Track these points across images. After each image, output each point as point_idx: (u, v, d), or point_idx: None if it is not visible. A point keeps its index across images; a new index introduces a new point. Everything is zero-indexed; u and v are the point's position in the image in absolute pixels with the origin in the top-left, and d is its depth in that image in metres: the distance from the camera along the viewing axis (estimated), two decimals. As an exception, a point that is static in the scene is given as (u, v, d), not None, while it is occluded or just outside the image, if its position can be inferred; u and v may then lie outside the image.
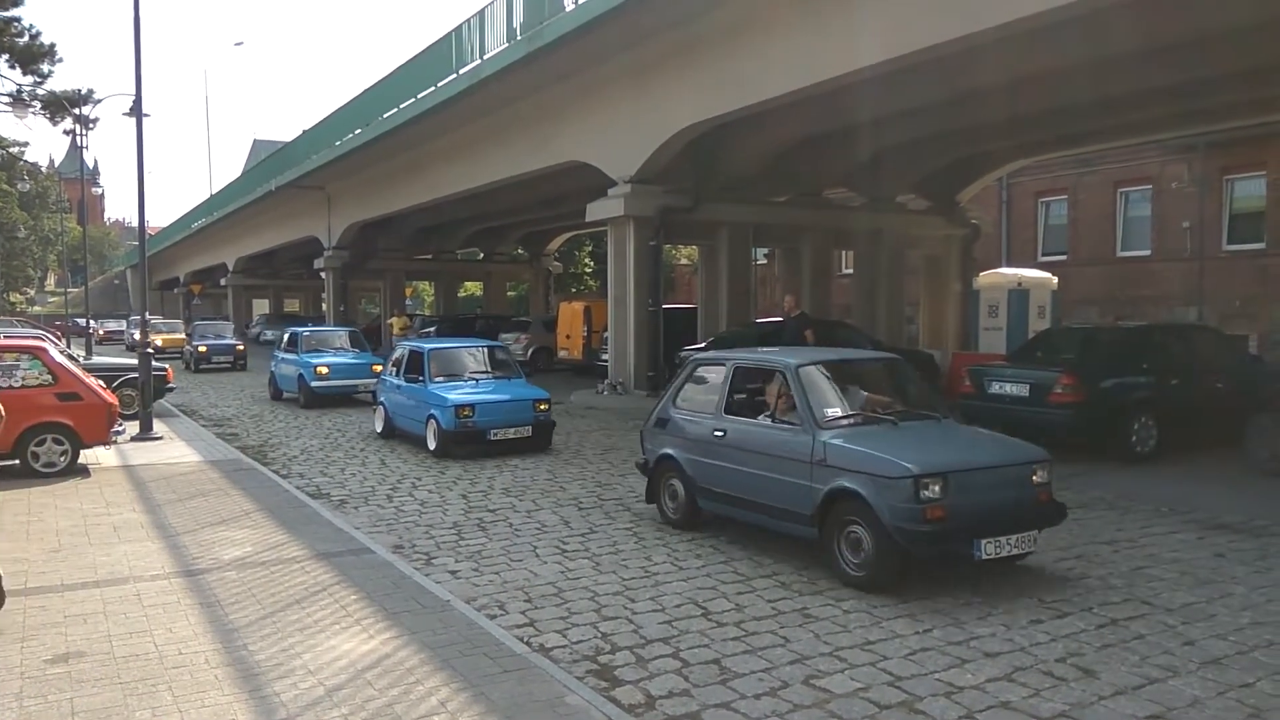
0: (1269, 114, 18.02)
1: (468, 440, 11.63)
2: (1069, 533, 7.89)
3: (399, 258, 37.51)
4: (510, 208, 30.75)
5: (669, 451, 8.01)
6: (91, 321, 44.40)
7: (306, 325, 47.69)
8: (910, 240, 22.50)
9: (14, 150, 46.82)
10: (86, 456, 11.16)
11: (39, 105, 33.22)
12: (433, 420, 11.85)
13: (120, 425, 11.17)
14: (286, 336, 19.78)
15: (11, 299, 74.33)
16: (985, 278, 20.69)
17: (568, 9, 15.51)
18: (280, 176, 33.11)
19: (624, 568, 6.96)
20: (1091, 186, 25.56)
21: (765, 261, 31.26)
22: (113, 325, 53.63)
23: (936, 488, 5.99)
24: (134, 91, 15.05)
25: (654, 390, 18.04)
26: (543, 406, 12.16)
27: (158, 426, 13.95)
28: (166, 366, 17.87)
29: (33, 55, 32.03)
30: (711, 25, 14.60)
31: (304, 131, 32.33)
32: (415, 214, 31.33)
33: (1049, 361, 12.11)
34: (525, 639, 5.46)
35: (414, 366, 12.87)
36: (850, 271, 25.29)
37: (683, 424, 7.99)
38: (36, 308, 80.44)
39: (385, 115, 23.63)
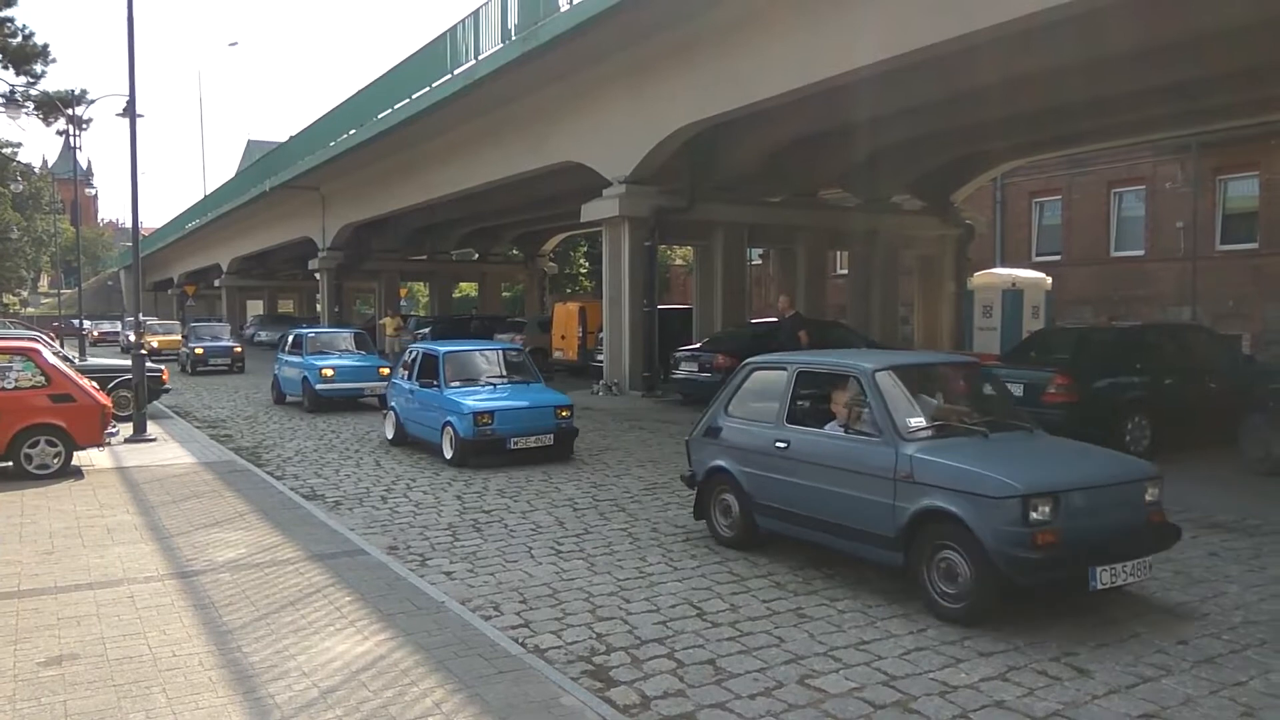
0: (1262, 114, 18.11)
1: (487, 450, 11.02)
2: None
3: (394, 258, 37.49)
4: (505, 208, 30.75)
5: (721, 464, 7.37)
6: (86, 323, 44.34)
7: (302, 326, 47.68)
8: (905, 240, 22.56)
9: (7, 151, 46.66)
10: (80, 458, 11.13)
11: (32, 106, 33.18)
12: (449, 428, 11.26)
13: (114, 427, 11.15)
14: (290, 338, 19.14)
15: (4, 300, 74.07)
16: (979, 278, 20.75)
17: (562, 9, 15.51)
18: (274, 177, 33.07)
19: (619, 568, 6.96)
20: (1085, 187, 25.63)
21: (760, 262, 31.30)
22: (107, 326, 53.41)
23: (1046, 509, 5.38)
24: (127, 92, 15.02)
25: (649, 391, 18.07)
26: (564, 413, 11.51)
27: (151, 428, 13.91)
28: (162, 367, 17.82)
29: (26, 56, 31.94)
30: (707, 25, 14.61)
31: (298, 132, 32.29)
32: (410, 214, 31.33)
33: (1043, 361, 12.13)
34: (520, 640, 5.46)
35: (427, 370, 12.28)
36: (845, 272, 25.37)
37: (738, 434, 7.32)
38: (30, 309, 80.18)
39: (380, 115, 23.63)
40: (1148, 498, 5.87)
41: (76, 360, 16.59)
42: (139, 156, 15.23)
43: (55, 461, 10.55)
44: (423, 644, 5.27)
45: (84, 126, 34.20)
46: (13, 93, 32.30)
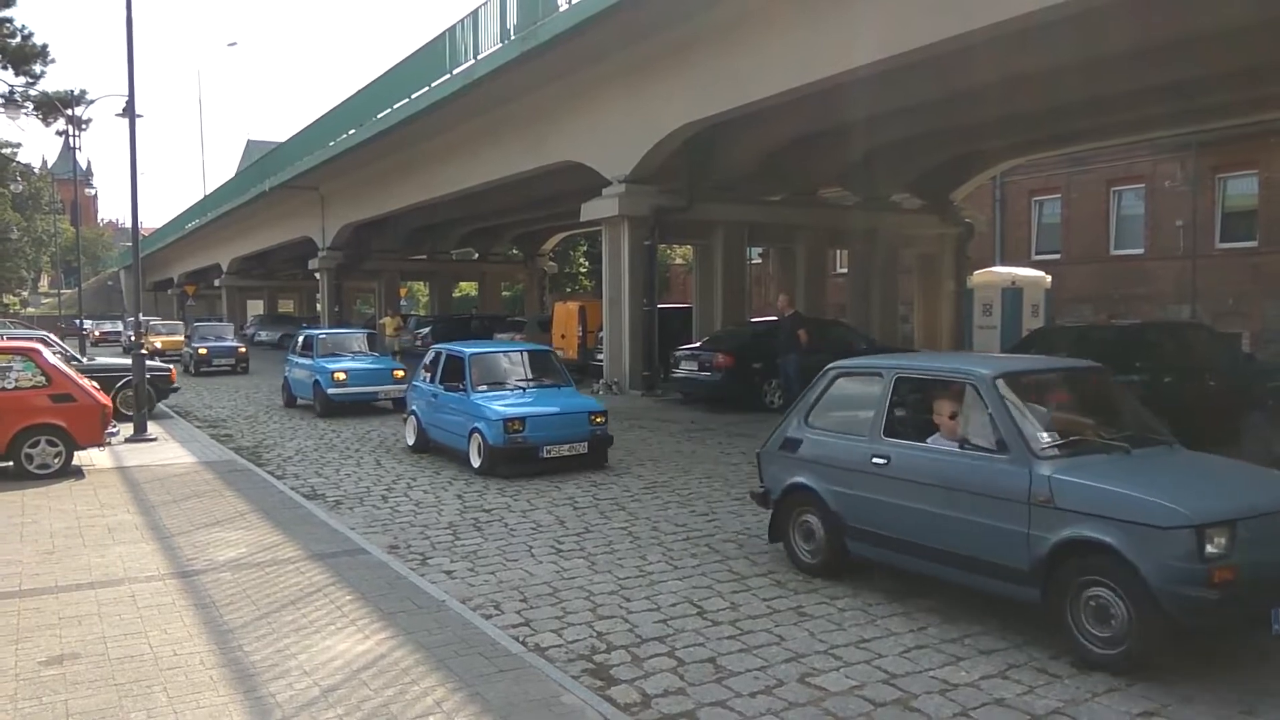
0: (1261, 113, 18.11)
1: (517, 458, 10.37)
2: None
3: (393, 258, 37.49)
4: (505, 208, 30.76)
5: (802, 481, 6.59)
6: (87, 323, 44.32)
7: (303, 326, 47.64)
8: (905, 239, 22.56)
9: (7, 151, 46.65)
10: (81, 458, 11.13)
11: (31, 106, 33.18)
12: (477, 435, 10.60)
13: (114, 427, 11.16)
14: (301, 339, 18.54)
15: (5, 300, 74.09)
16: (979, 276, 20.77)
17: (561, 9, 15.51)
18: (274, 177, 33.06)
19: (619, 567, 6.96)
20: (1085, 185, 25.63)
21: (760, 261, 31.30)
22: (109, 326, 53.35)
23: (1223, 540, 4.65)
24: (127, 92, 15.02)
25: (649, 390, 18.08)
26: (598, 419, 10.91)
27: (152, 428, 13.92)
28: (170, 367, 17.76)
29: (25, 56, 31.94)
30: (705, 24, 14.61)
31: (297, 132, 32.29)
32: (410, 214, 31.32)
33: (1043, 360, 12.11)
34: (521, 638, 5.46)
35: (452, 373, 11.63)
36: (845, 271, 25.37)
37: (823, 448, 6.53)
38: (30, 309, 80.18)
39: (379, 115, 23.62)
40: None
41: (85, 360, 16.51)
42: (138, 156, 15.24)
43: (56, 461, 10.56)
44: (423, 643, 5.27)
45: (83, 127, 34.26)
46: (12, 93, 32.35)
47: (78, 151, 37.66)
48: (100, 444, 11.03)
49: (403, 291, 51.16)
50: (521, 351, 12.36)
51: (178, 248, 57.24)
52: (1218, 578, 4.58)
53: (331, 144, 27.35)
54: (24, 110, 32.70)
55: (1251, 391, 11.29)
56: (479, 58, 18.51)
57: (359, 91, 25.79)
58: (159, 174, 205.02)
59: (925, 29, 11.47)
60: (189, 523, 8.32)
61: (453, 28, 19.78)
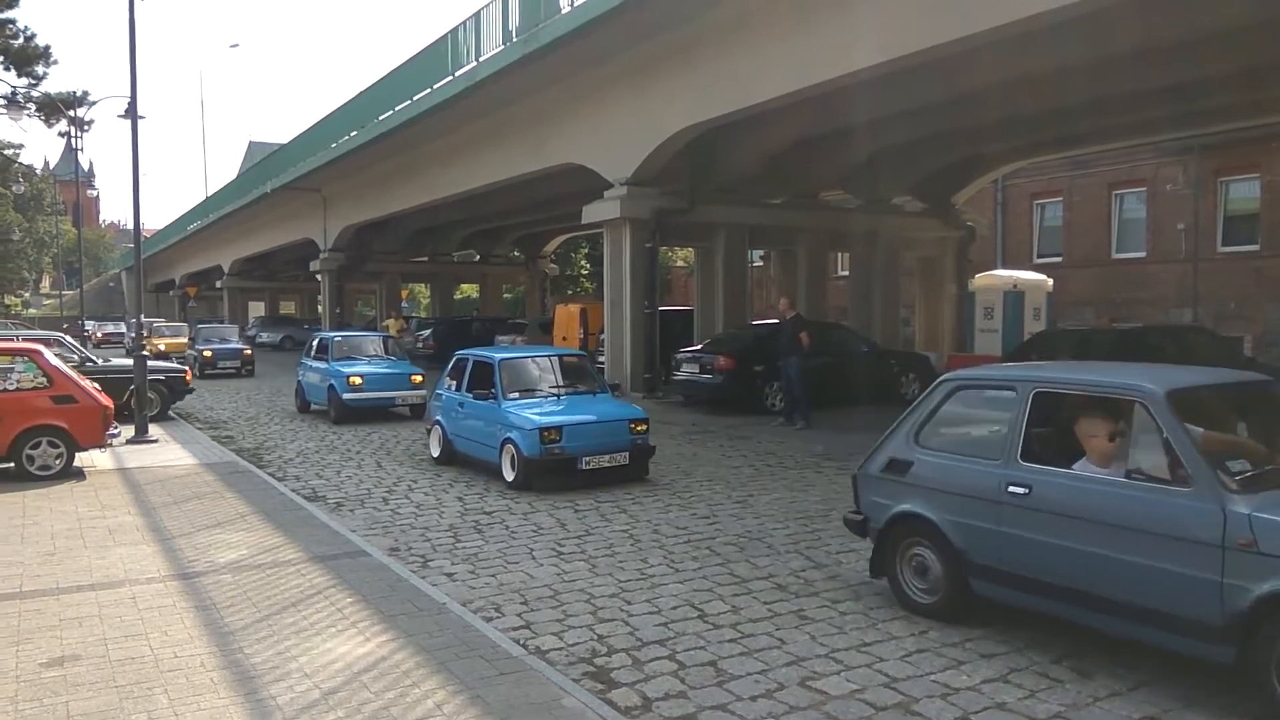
0: (1264, 116, 18.09)
1: (555, 470, 9.74)
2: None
3: (395, 260, 37.50)
4: (506, 210, 30.77)
5: (915, 509, 5.78)
6: (89, 324, 44.37)
7: (313, 329, 47.61)
8: (906, 242, 22.55)
9: (8, 152, 46.75)
10: (82, 459, 11.14)
11: (34, 107, 33.23)
12: (510, 445, 9.95)
13: (116, 428, 11.16)
14: (315, 342, 17.85)
15: (6, 302, 74.17)
16: (981, 279, 20.77)
17: (563, 11, 15.52)
18: (276, 179, 33.08)
19: (620, 570, 6.96)
20: (1086, 188, 25.63)
21: (761, 263, 31.31)
22: (111, 328, 53.27)
23: None
24: (129, 94, 15.04)
25: (650, 392, 18.08)
26: (640, 427, 10.25)
27: (153, 430, 13.92)
28: (186, 368, 17.67)
29: (27, 57, 32.00)
30: (709, 26, 14.62)
31: (299, 134, 32.31)
32: (411, 216, 31.33)
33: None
34: (521, 641, 5.46)
35: (480, 379, 10.98)
36: (846, 273, 25.36)
37: (941, 471, 5.72)
38: (31, 310, 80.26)
39: (381, 117, 23.64)
40: None
41: (100, 362, 16.38)
42: (140, 158, 15.28)
43: (57, 463, 10.56)
44: (424, 645, 5.27)
45: (86, 128, 34.37)
46: (14, 94, 32.41)
47: (80, 153, 37.98)
48: (101, 445, 11.03)
49: (404, 293, 51.17)
50: (554, 356, 11.79)
51: (179, 249, 57.29)
52: None
53: (333, 145, 27.37)
54: (26, 111, 32.79)
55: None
56: (481, 60, 18.52)
57: (361, 93, 25.80)
58: (161, 175, 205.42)
59: (925, 32, 11.47)
60: (190, 524, 8.32)
61: (455, 29, 19.79)
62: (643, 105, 16.79)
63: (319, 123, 29.64)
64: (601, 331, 19.99)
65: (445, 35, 20.28)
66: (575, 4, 15.21)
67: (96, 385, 11.50)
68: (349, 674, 4.89)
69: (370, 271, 37.32)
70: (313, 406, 17.31)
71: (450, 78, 19.90)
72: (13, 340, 14.82)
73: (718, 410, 16.19)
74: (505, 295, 47.15)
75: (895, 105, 15.42)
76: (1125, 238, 25.21)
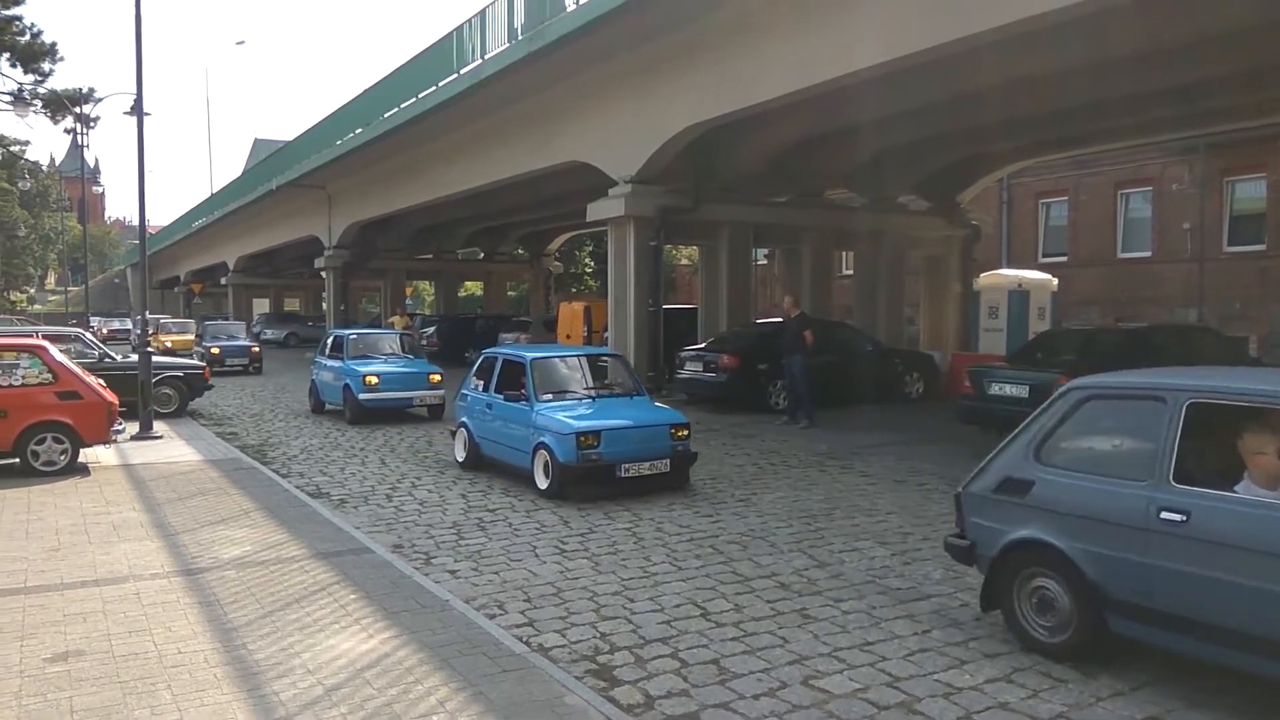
0: (1269, 116, 18.03)
1: (592, 477, 9.16)
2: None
3: (399, 257, 37.51)
4: (511, 207, 30.76)
5: (1038, 535, 5.11)
6: (94, 320, 44.41)
7: (308, 324, 47.38)
8: (911, 241, 22.51)
9: (15, 149, 46.89)
10: (86, 455, 11.16)
11: (40, 104, 33.24)
12: (543, 451, 9.37)
13: (120, 424, 11.19)
14: (329, 340, 17.29)
15: (12, 298, 74.43)
16: (985, 279, 20.72)
17: (569, 9, 15.51)
18: (281, 175, 33.11)
19: (623, 568, 6.96)
20: (1092, 188, 25.57)
21: (765, 262, 31.28)
22: (116, 324, 53.33)
23: None
24: (135, 90, 15.07)
25: (654, 390, 18.05)
26: (681, 433, 9.66)
27: (157, 426, 13.95)
28: (204, 364, 17.64)
29: (34, 54, 32.02)
30: (712, 26, 14.60)
31: (304, 131, 32.33)
32: (416, 213, 31.34)
33: (1049, 363, 12.12)
34: (524, 639, 5.46)
35: (510, 380, 10.45)
36: (851, 272, 25.31)
37: (1072, 493, 5.05)
38: (37, 306, 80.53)
39: (386, 115, 23.64)
40: None
41: (119, 358, 16.29)
42: (146, 154, 15.29)
43: (62, 458, 10.59)
44: (427, 642, 5.28)
45: (91, 124, 34.30)
46: (20, 91, 32.39)
47: (85, 149, 37.83)
48: (106, 441, 11.06)
49: (408, 291, 51.22)
50: (588, 355, 11.17)
51: (184, 246, 57.36)
52: None
53: (338, 143, 27.38)
54: (32, 108, 32.76)
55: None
56: (486, 58, 18.51)
57: (366, 91, 25.82)
58: (166, 172, 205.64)
59: (927, 32, 11.44)
60: (194, 520, 8.33)
61: (460, 27, 19.79)
62: (647, 104, 16.78)
63: (324, 120, 29.66)
64: (605, 330, 19.99)
65: (450, 33, 20.28)
66: (580, 2, 15.20)
67: (102, 381, 11.53)
68: (352, 670, 4.89)
69: (375, 269, 37.35)
70: (327, 406, 16.79)
71: (455, 75, 19.90)
72: (31, 336, 14.88)
73: (722, 409, 16.19)
74: (509, 293, 47.16)
75: (898, 104, 15.39)
76: (1131, 237, 25.16)
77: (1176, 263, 23.55)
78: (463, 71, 19.59)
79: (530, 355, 10.41)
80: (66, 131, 36.83)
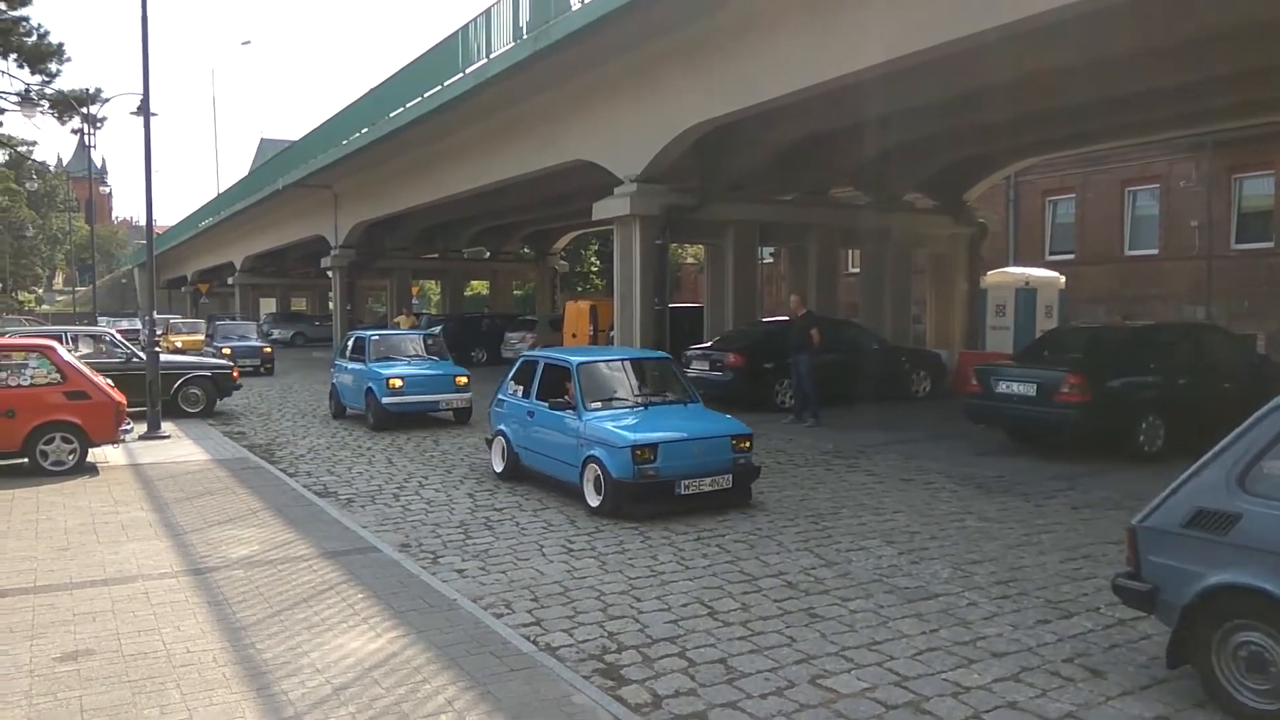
0: (1277, 113, 17.96)
1: (649, 495, 8.39)
2: (1075, 533, 7.89)
3: (405, 256, 37.55)
4: (516, 206, 30.77)
5: (1245, 581, 4.23)
6: (103, 320, 44.43)
7: (314, 324, 47.34)
8: (917, 239, 22.46)
9: (22, 149, 46.98)
10: (95, 455, 11.20)
11: (47, 105, 33.32)
12: (594, 464, 8.61)
13: (128, 424, 11.22)
14: (350, 342, 16.57)
15: (20, 298, 74.69)
16: (992, 276, 20.68)
17: (574, 8, 15.50)
18: (287, 175, 33.15)
19: (630, 567, 6.96)
20: (1099, 185, 25.49)
21: (771, 260, 31.26)
22: (125, 324, 53.31)
23: None
24: (142, 91, 15.08)
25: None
26: (744, 444, 8.82)
27: (165, 426, 13.99)
28: (232, 364, 17.59)
29: (41, 55, 32.09)
30: (718, 24, 14.58)
31: (311, 131, 32.37)
32: (422, 213, 31.36)
33: (1056, 361, 12.09)
34: (532, 638, 5.47)
35: (553, 386, 9.75)
36: (857, 270, 25.28)
37: None
38: (45, 306, 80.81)
39: (392, 114, 23.65)
40: None
41: (145, 358, 16.21)
42: (153, 154, 15.31)
43: (70, 458, 10.62)
44: (435, 641, 5.28)
45: (98, 125, 34.38)
46: (28, 91, 32.48)
47: (93, 149, 37.91)
48: (114, 441, 11.09)
49: (414, 290, 51.25)
50: (636, 359, 10.42)
51: (191, 245, 57.48)
52: None
53: (344, 142, 27.41)
54: (40, 109, 32.87)
55: (1266, 393, 11.19)
56: (492, 56, 18.50)
57: (372, 90, 25.84)
58: (173, 172, 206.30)
59: (934, 30, 11.41)
60: (202, 520, 8.36)
61: (465, 27, 19.79)
62: (652, 102, 16.76)
63: (330, 120, 29.70)
64: (611, 328, 19.99)
65: (456, 32, 20.28)
66: (585, 1, 15.19)
67: (109, 381, 11.56)
68: (360, 670, 4.90)
69: (381, 268, 37.39)
70: (349, 411, 16.08)
71: (461, 75, 19.89)
72: (60, 336, 14.95)
73: (727, 408, 16.12)
74: (515, 292, 47.17)
75: (905, 102, 15.36)
76: (1138, 234, 25.07)
77: (1184, 260, 23.46)
78: (468, 71, 19.58)
79: (576, 359, 9.57)
80: (74, 132, 37.03)
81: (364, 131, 25.80)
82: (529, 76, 17.92)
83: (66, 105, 33.04)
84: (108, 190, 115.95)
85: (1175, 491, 4.63)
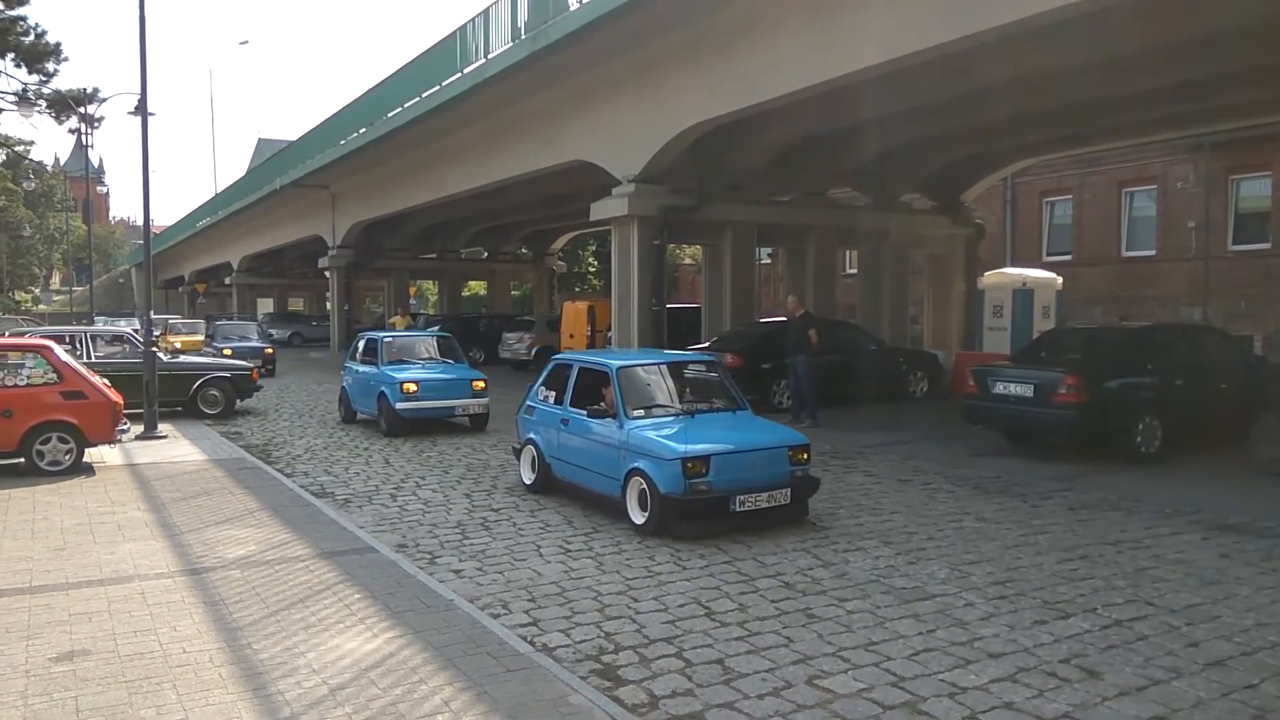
0: (1275, 113, 17.98)
1: (701, 512, 7.70)
2: (1072, 533, 7.89)
3: (403, 257, 37.57)
4: (514, 207, 30.78)
5: None
6: (100, 319, 44.33)
7: (312, 324, 47.22)
8: (915, 240, 22.48)
9: (19, 149, 46.95)
10: (91, 455, 11.19)
11: (44, 104, 33.29)
12: (639, 478, 7.89)
13: (125, 424, 11.21)
14: (362, 344, 15.82)
15: (17, 298, 74.61)
16: (990, 277, 20.68)
17: (572, 8, 15.50)
18: (285, 175, 33.14)
19: (627, 567, 6.96)
20: (1096, 186, 25.52)
21: (769, 261, 31.26)
22: (123, 324, 53.17)
23: None
24: (139, 90, 15.07)
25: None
26: (802, 456, 8.12)
27: (162, 426, 13.97)
28: (251, 365, 17.48)
29: (38, 54, 32.06)
30: (716, 25, 14.59)
31: (308, 131, 32.35)
32: (420, 213, 31.37)
33: (1053, 362, 12.10)
34: (529, 638, 5.47)
35: (589, 391, 9.12)
36: (854, 271, 25.28)
37: None
38: (42, 306, 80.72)
39: (390, 114, 23.65)
40: None
41: (164, 358, 15.89)
42: (150, 154, 15.29)
43: (67, 458, 10.61)
44: (431, 642, 5.28)
45: (96, 124, 34.33)
46: (25, 91, 32.45)
47: (90, 149, 37.87)
48: (111, 441, 11.08)
49: (412, 290, 51.26)
50: (679, 363, 9.47)
51: (189, 245, 57.44)
52: None
53: (342, 142, 27.40)
54: (37, 108, 32.82)
55: (1263, 394, 11.23)
56: (490, 57, 18.50)
57: (370, 90, 25.82)
58: (170, 171, 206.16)
59: (933, 30, 11.42)
60: (198, 520, 8.34)
61: (464, 27, 19.78)
62: (651, 103, 16.76)
63: (328, 120, 29.68)
64: (609, 329, 19.99)
65: (454, 32, 20.27)
66: (583, 1, 15.19)
67: (106, 381, 11.55)
68: (357, 670, 4.90)
69: (379, 268, 37.41)
70: (359, 416, 15.52)
71: (459, 75, 19.88)
72: (78, 336, 14.88)
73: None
74: (513, 292, 47.16)
75: (904, 103, 15.38)
76: (1135, 236, 25.10)
77: (1181, 261, 23.49)
78: (466, 71, 19.58)
79: (616, 363, 8.85)
80: (71, 132, 37.00)
81: (362, 131, 25.79)
82: (527, 77, 17.92)
83: (64, 105, 33.00)
84: (105, 190, 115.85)
85: None
